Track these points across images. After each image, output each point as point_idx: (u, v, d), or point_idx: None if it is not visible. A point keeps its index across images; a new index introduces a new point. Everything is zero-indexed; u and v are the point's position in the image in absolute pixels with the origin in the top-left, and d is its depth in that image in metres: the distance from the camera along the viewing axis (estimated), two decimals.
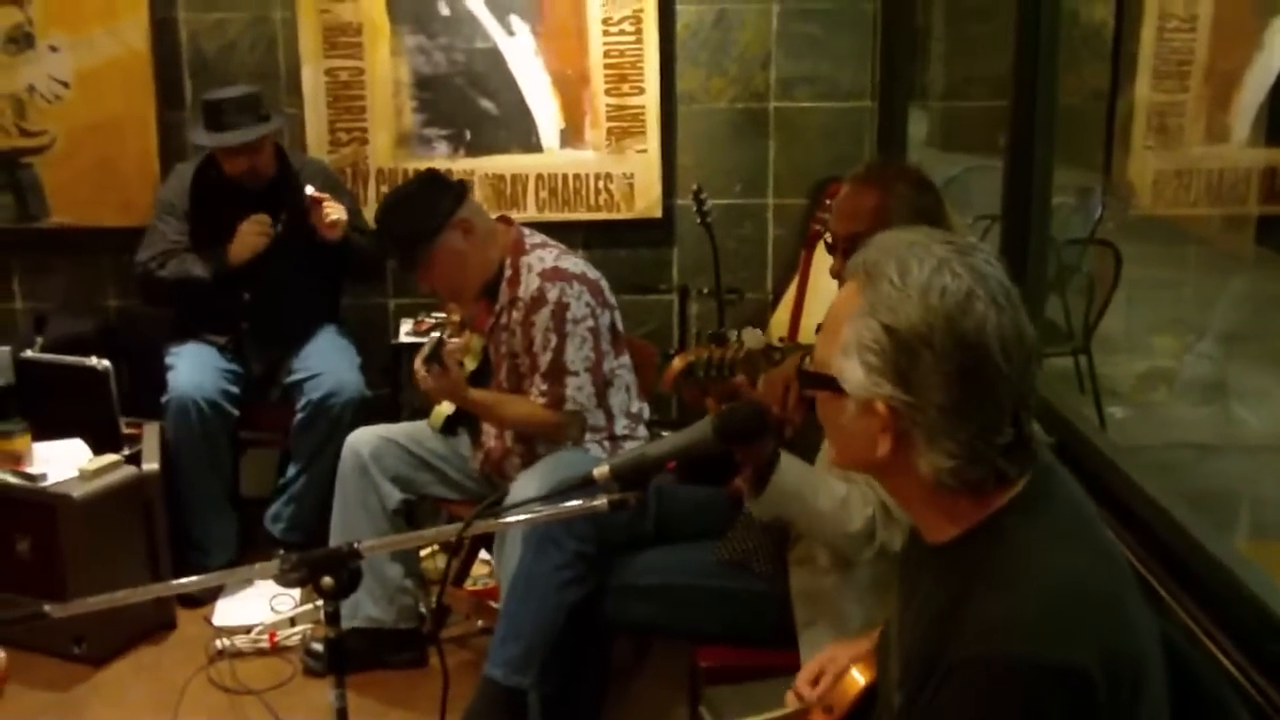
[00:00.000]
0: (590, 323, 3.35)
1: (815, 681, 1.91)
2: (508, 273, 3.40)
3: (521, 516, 2.14)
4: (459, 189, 3.43)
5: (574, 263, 3.43)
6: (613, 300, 3.47)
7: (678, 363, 2.68)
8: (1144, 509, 2.37)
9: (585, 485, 1.94)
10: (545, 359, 3.33)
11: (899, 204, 2.58)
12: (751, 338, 2.64)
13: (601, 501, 1.92)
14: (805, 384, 1.58)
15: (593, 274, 3.43)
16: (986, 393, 1.42)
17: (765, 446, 2.38)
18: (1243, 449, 4.26)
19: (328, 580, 1.87)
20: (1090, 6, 5.22)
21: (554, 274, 3.34)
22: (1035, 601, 1.39)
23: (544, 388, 3.34)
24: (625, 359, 3.51)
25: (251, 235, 4.16)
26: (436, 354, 3.23)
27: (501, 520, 2.15)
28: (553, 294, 3.31)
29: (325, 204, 4.14)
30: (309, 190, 4.16)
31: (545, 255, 3.40)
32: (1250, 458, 4.24)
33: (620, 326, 3.50)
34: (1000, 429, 1.43)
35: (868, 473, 1.64)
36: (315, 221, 4.15)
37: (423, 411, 3.76)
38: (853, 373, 1.47)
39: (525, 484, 3.15)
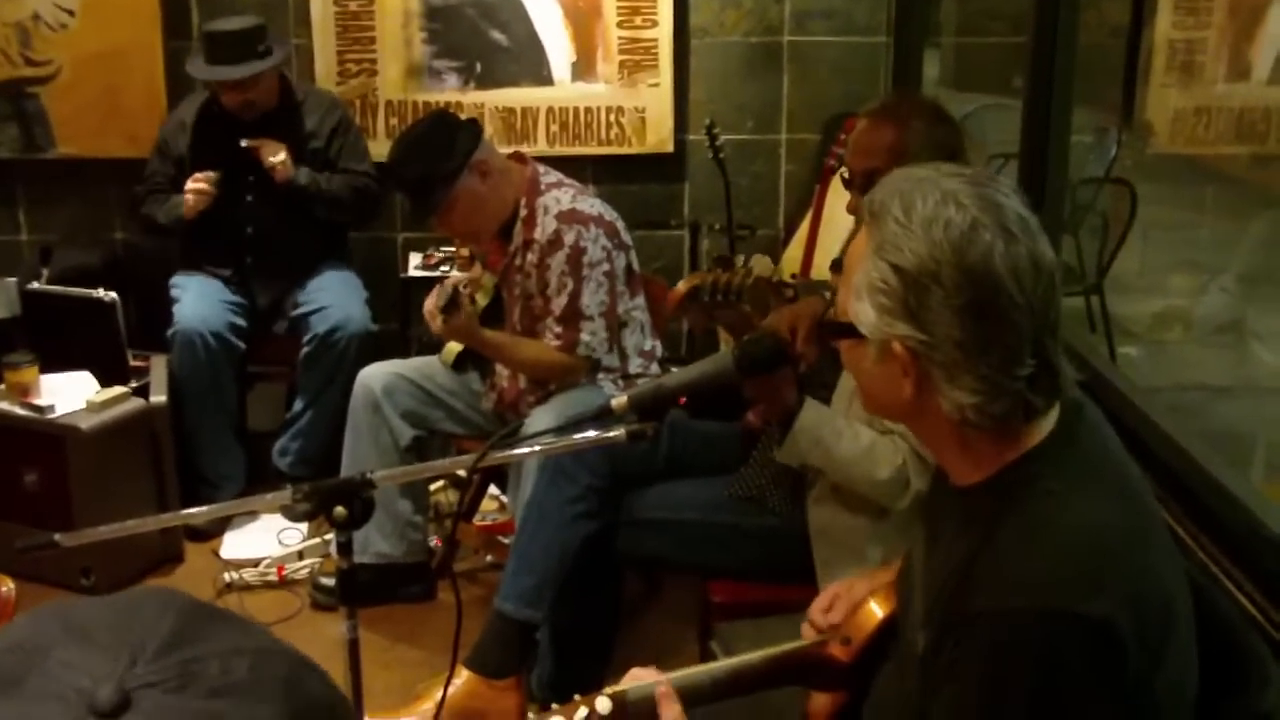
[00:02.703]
0: (606, 266, 3.30)
1: (828, 610, 1.90)
2: (523, 213, 3.34)
3: (537, 447, 2.13)
4: (473, 128, 3.37)
5: (590, 203, 3.37)
6: (629, 240, 3.42)
7: (682, 286, 2.66)
8: (1160, 447, 2.35)
9: (603, 416, 1.92)
10: (560, 302, 3.29)
11: (915, 138, 2.56)
12: (760, 264, 2.62)
13: (619, 432, 1.90)
14: (827, 333, 1.57)
15: (609, 215, 3.37)
16: (1001, 324, 1.39)
17: (785, 390, 2.36)
18: (1259, 390, 4.24)
19: (340, 510, 1.86)
20: None
21: (570, 216, 3.29)
22: (1059, 553, 1.37)
23: (558, 330, 3.30)
24: (640, 299, 3.46)
25: (191, 196, 4.07)
26: (454, 300, 3.15)
27: (516, 451, 2.12)
28: (569, 237, 3.26)
29: (262, 149, 4.08)
30: (243, 143, 4.09)
31: (561, 196, 3.35)
32: (1266, 399, 4.22)
33: (636, 267, 3.45)
34: (1020, 360, 1.41)
35: (898, 419, 1.63)
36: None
37: (433, 347, 3.73)
38: (866, 315, 1.45)
39: (540, 418, 3.12)
